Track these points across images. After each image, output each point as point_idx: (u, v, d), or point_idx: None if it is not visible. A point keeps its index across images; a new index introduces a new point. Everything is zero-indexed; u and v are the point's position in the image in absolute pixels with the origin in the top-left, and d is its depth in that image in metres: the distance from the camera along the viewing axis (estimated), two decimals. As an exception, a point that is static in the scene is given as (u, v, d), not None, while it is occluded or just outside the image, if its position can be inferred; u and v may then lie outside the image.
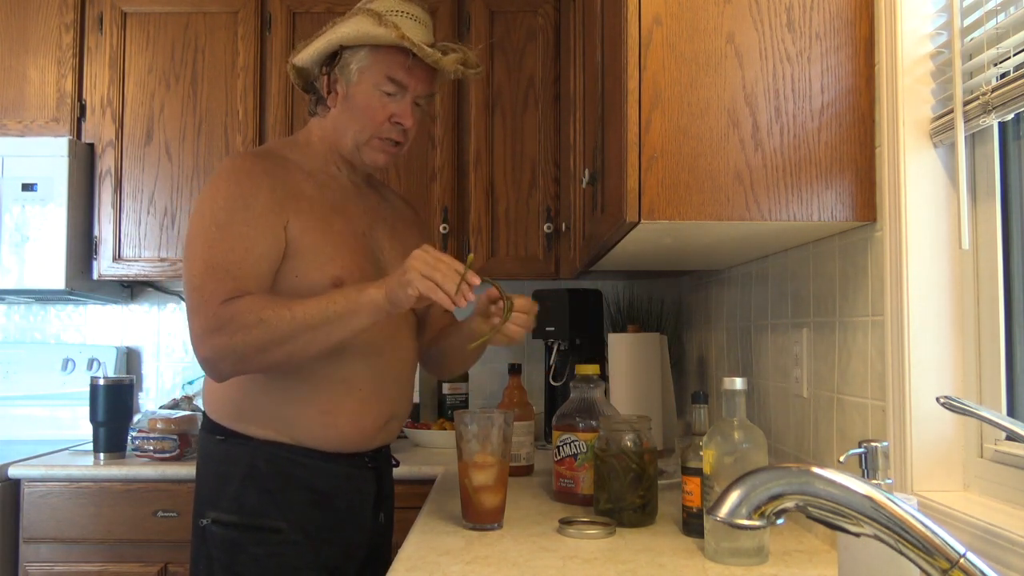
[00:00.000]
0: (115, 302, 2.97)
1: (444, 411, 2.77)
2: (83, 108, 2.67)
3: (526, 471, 2.02)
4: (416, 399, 2.74)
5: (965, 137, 1.11)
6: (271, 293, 1.44)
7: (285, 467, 1.50)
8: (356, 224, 1.59)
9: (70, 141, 2.57)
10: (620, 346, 2.33)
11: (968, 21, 1.13)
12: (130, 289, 2.97)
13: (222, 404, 1.54)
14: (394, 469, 1.75)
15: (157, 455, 2.35)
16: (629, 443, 1.53)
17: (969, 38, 1.13)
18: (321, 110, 1.63)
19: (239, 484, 1.49)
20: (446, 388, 2.79)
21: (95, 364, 2.86)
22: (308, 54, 1.60)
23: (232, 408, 1.53)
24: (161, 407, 2.68)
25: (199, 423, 1.68)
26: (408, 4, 1.57)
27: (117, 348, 2.90)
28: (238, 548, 1.48)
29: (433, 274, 1.33)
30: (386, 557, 1.67)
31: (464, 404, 2.79)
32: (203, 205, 1.48)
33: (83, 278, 2.64)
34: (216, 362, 1.42)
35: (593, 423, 1.69)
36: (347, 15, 1.58)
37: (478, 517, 1.48)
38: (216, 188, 1.48)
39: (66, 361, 2.85)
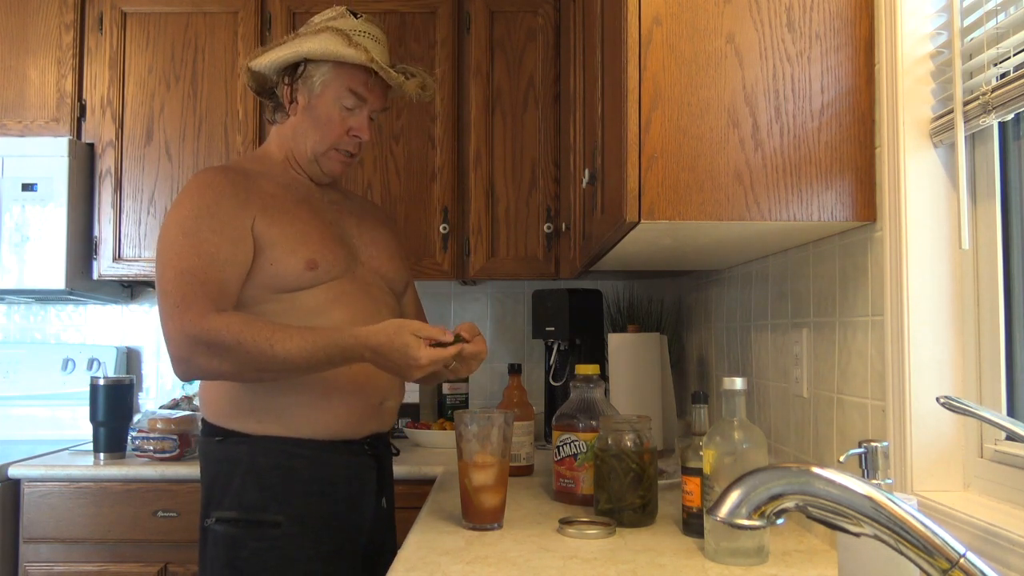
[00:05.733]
0: (115, 302, 2.97)
1: (444, 411, 2.77)
2: (83, 108, 2.67)
3: (526, 471, 2.02)
4: (416, 399, 2.74)
5: (965, 137, 1.11)
6: (253, 316, 1.50)
7: (284, 460, 1.55)
8: (323, 214, 1.66)
9: (70, 141, 2.57)
10: (620, 346, 2.33)
11: (968, 21, 1.13)
12: (130, 289, 2.97)
13: (218, 405, 1.58)
14: (394, 469, 1.76)
15: (157, 455, 2.35)
16: (629, 443, 1.53)
17: (969, 38, 1.13)
18: (280, 117, 1.71)
19: (240, 481, 1.54)
20: (446, 388, 2.79)
21: (95, 364, 2.86)
22: (269, 60, 1.65)
23: (228, 407, 1.57)
24: (161, 407, 2.68)
25: (199, 423, 1.69)
26: (369, 25, 1.67)
27: (117, 348, 2.90)
28: (239, 544, 1.52)
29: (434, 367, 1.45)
30: (391, 542, 1.70)
31: (464, 404, 2.79)
32: (171, 219, 1.54)
33: (83, 278, 2.64)
34: (190, 371, 1.49)
35: (593, 423, 1.69)
36: (311, 30, 1.64)
37: (478, 517, 1.48)
38: (182, 202, 1.55)
39: (66, 361, 2.85)
